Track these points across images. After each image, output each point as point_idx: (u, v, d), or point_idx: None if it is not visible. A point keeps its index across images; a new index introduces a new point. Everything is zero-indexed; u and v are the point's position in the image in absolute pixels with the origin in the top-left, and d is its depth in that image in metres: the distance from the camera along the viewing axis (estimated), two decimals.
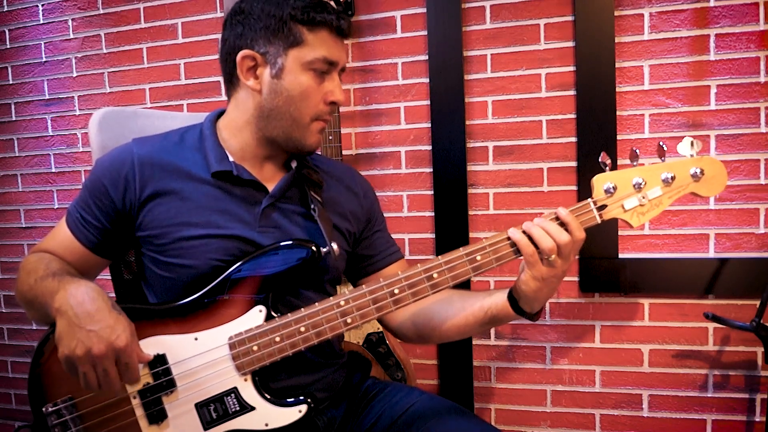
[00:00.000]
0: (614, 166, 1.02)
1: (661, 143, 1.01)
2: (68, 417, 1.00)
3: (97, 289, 0.96)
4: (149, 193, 1.08)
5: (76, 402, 1.01)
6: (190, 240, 1.06)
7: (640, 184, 1.01)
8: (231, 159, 1.11)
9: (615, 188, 1.01)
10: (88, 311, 0.93)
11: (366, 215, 1.25)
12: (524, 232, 0.99)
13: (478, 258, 1.02)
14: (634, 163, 1.02)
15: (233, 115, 1.14)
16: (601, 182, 1.02)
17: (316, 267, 1.09)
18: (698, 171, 1.01)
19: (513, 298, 1.05)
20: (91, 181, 1.10)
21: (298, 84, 1.06)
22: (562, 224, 0.99)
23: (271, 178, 1.14)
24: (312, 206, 1.12)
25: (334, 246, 1.06)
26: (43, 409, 1.00)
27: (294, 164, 1.16)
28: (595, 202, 1.02)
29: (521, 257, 1.00)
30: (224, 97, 1.16)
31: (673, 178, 1.01)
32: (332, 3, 1.75)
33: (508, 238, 1.01)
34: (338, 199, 1.21)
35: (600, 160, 1.02)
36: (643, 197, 1.01)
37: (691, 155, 1.01)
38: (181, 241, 1.06)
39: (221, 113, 1.18)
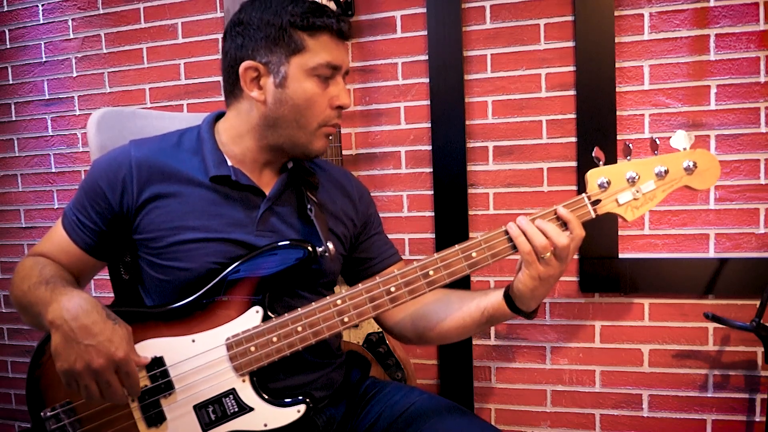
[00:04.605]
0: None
1: (654, 137, 1.01)
2: (66, 421, 1.00)
3: (90, 301, 0.96)
4: (147, 197, 1.07)
5: (74, 406, 1.01)
6: (187, 243, 1.06)
7: (634, 178, 1.01)
8: (229, 163, 1.11)
9: (609, 183, 1.02)
10: (83, 325, 0.92)
11: (362, 219, 1.25)
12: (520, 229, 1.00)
13: (474, 254, 1.02)
14: (628, 158, 1.02)
15: (235, 122, 1.13)
16: (595, 177, 1.02)
17: (312, 268, 1.09)
18: (691, 164, 1.01)
19: (509, 297, 1.05)
20: (88, 183, 1.10)
21: (303, 91, 1.06)
22: (563, 223, 1.00)
23: (268, 182, 1.14)
24: (308, 206, 1.12)
25: (330, 246, 1.06)
26: (42, 413, 1.00)
27: (290, 165, 1.16)
28: (589, 197, 1.02)
29: (516, 252, 1.00)
30: (224, 97, 1.16)
31: (666, 172, 1.01)
32: (331, 5, 1.75)
33: (506, 233, 1.01)
34: (334, 202, 1.21)
35: (593, 155, 1.02)
36: (637, 191, 1.02)
37: (684, 148, 1.01)
38: (178, 245, 1.06)
39: (219, 115, 1.17)
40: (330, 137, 1.13)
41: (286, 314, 1.03)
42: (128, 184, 1.07)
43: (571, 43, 1.87)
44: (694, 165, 1.01)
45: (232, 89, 1.11)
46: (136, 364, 0.97)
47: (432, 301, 1.17)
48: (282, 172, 1.16)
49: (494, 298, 1.07)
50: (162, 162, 1.10)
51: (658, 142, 1.01)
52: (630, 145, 1.02)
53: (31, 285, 1.02)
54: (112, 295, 1.23)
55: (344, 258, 1.24)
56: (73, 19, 2.33)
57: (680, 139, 1.01)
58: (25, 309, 1.04)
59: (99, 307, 0.96)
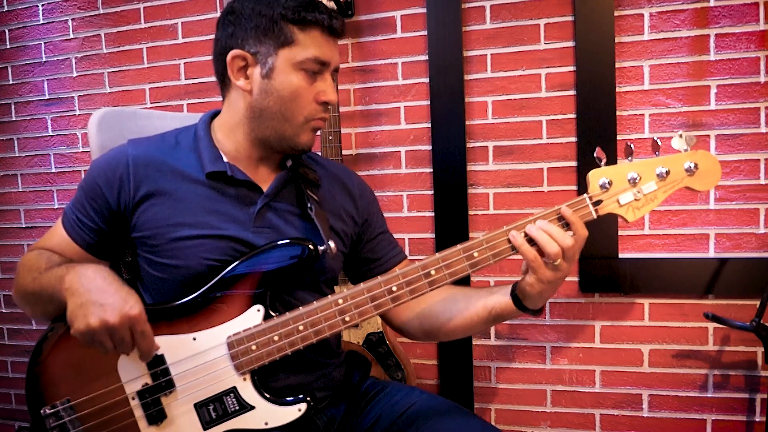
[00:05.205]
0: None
1: (655, 138, 1.01)
2: (67, 419, 1.00)
3: (106, 269, 0.97)
4: (143, 194, 1.08)
5: (74, 404, 1.00)
6: (184, 240, 1.06)
7: (635, 179, 1.01)
8: (225, 159, 1.11)
9: (610, 183, 1.02)
10: (99, 286, 0.93)
11: (363, 217, 1.25)
12: (526, 235, 0.99)
13: (475, 255, 1.02)
14: (629, 159, 1.02)
15: (226, 117, 1.14)
16: (596, 177, 1.02)
17: (313, 266, 1.09)
18: (692, 165, 1.01)
19: (516, 297, 1.05)
20: (87, 182, 1.10)
21: (289, 84, 1.06)
22: (566, 223, 1.00)
23: (266, 179, 1.14)
24: (308, 205, 1.12)
25: (332, 244, 1.06)
26: (41, 411, 1.00)
27: (289, 163, 1.16)
28: (590, 198, 1.02)
29: (518, 252, 1.00)
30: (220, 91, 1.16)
31: (667, 173, 1.01)
32: (331, 5, 1.75)
33: (508, 240, 1.01)
34: (334, 200, 1.20)
35: (595, 155, 1.02)
36: (638, 192, 1.02)
37: (685, 150, 1.01)
38: (175, 242, 1.06)
39: (216, 114, 1.18)
40: (316, 131, 1.13)
41: (287, 313, 1.03)
42: (125, 182, 1.08)
43: (571, 43, 1.88)
44: (695, 166, 1.01)
45: (222, 78, 1.13)
46: (149, 347, 0.96)
47: (438, 301, 1.17)
48: (281, 170, 1.17)
49: (501, 298, 1.08)
50: (159, 159, 1.10)
51: (659, 143, 1.01)
52: (632, 145, 1.02)
53: (41, 270, 1.02)
54: None
55: (350, 258, 1.24)
56: (73, 19, 2.33)
57: (681, 140, 1.01)
58: (33, 298, 1.04)
59: (114, 274, 0.97)
